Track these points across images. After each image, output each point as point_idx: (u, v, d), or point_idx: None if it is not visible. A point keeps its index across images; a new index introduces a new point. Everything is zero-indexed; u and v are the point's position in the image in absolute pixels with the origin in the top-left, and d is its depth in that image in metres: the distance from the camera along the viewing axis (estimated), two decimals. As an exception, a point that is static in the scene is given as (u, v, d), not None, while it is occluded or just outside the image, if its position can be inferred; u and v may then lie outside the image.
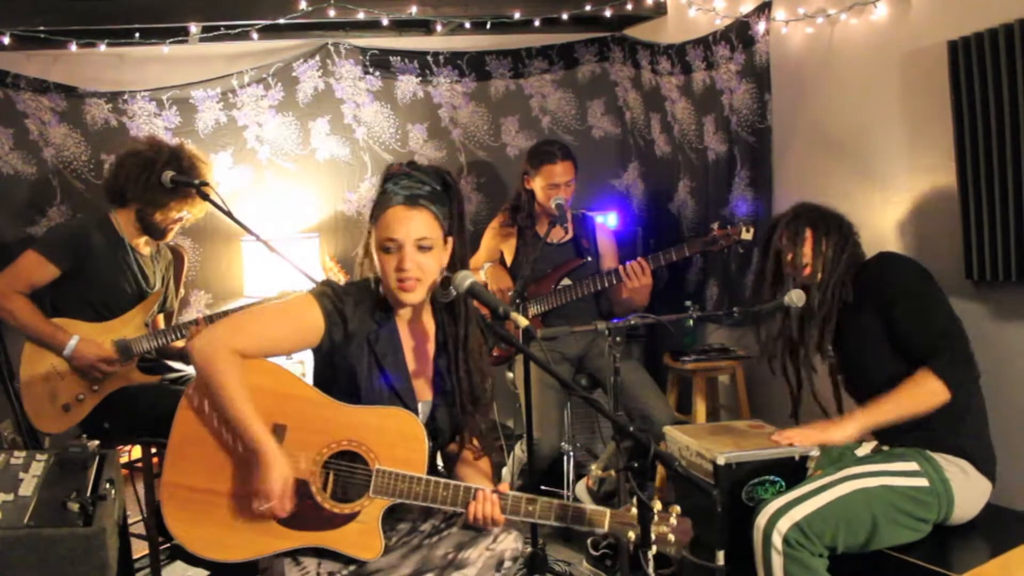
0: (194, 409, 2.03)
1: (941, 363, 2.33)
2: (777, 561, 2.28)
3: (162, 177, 3.09)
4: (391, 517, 2.14)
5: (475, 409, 2.21)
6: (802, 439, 2.53)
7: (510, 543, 2.06)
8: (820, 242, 2.57)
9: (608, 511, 2.01)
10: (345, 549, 2.01)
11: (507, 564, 2.05)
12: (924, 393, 2.33)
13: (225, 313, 2.82)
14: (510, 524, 2.08)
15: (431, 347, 2.21)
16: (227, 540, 1.99)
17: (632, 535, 1.99)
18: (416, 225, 2.06)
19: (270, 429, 2.00)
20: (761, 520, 2.33)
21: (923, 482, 2.33)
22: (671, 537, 1.96)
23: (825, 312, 2.55)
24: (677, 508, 1.98)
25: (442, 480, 2.05)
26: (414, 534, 2.14)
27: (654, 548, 1.90)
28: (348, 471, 2.05)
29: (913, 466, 2.35)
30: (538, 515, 2.03)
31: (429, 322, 2.22)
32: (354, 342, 2.11)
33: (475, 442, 2.26)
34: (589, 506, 2.04)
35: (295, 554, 2.03)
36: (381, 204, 2.09)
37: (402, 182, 2.10)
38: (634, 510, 1.94)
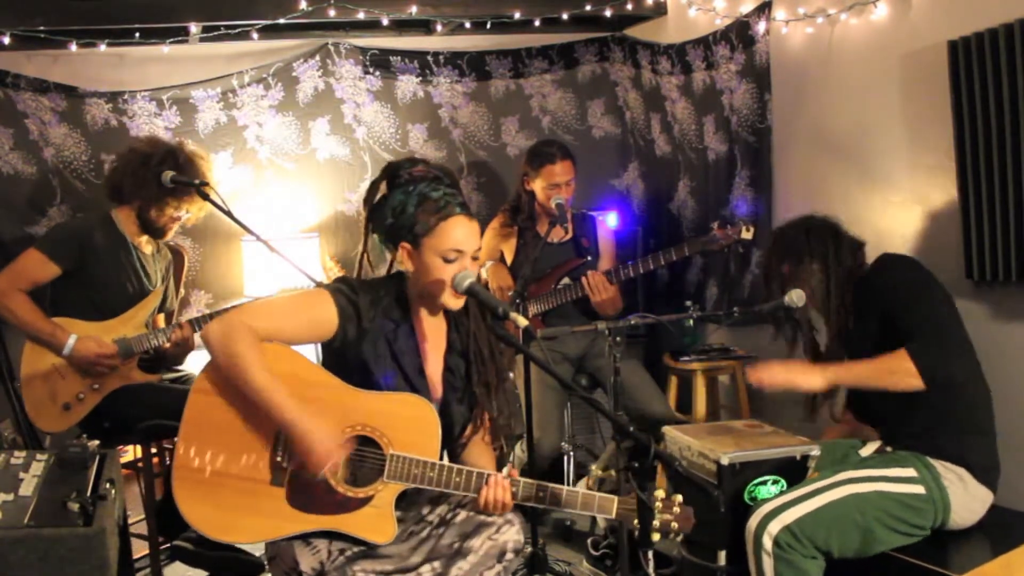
0: (206, 392, 2.04)
1: (917, 346, 2.29)
2: (767, 563, 2.28)
3: (162, 177, 3.08)
4: (399, 506, 2.16)
5: (499, 383, 2.26)
6: (771, 377, 2.47)
7: (512, 535, 2.07)
8: (798, 274, 2.53)
9: (616, 498, 2.05)
10: (358, 532, 2.03)
11: (508, 555, 2.06)
12: (896, 370, 2.30)
13: (224, 311, 2.85)
14: (513, 515, 2.10)
15: (443, 346, 2.26)
16: (239, 523, 2.01)
17: (637, 522, 2.01)
18: (476, 236, 2.13)
19: None
20: (752, 522, 2.33)
21: (919, 489, 2.31)
22: (674, 525, 2.01)
23: (830, 341, 2.53)
24: (679, 497, 2.02)
25: (455, 466, 2.07)
26: (422, 524, 2.15)
27: (657, 531, 1.97)
28: (362, 456, 2.07)
29: (910, 472, 2.34)
30: (548, 501, 2.07)
31: (441, 322, 2.27)
32: (368, 338, 2.12)
33: (487, 424, 2.28)
34: (598, 493, 2.06)
35: (306, 536, 2.04)
36: (432, 210, 2.09)
37: (441, 189, 2.12)
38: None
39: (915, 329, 2.33)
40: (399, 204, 2.12)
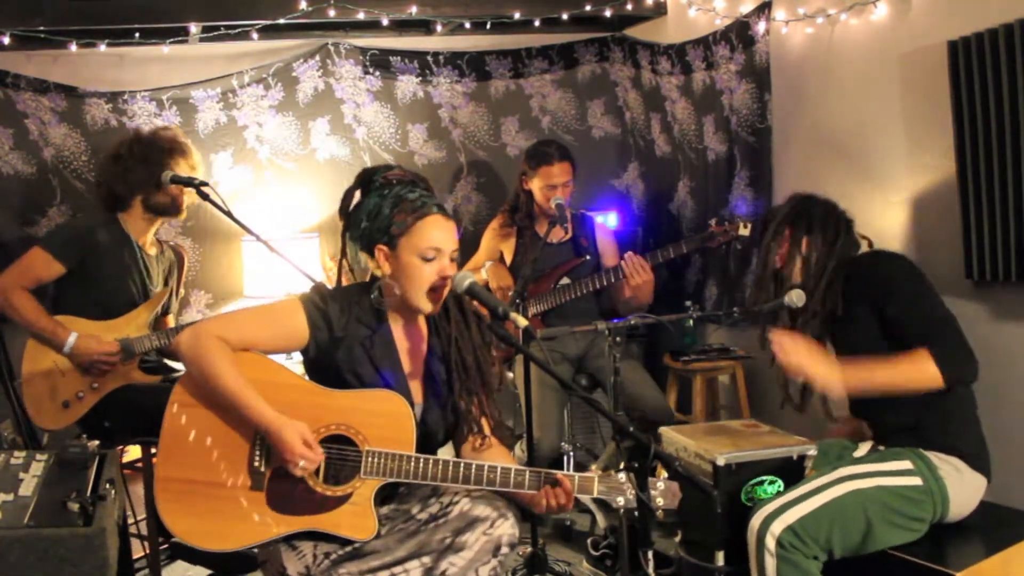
0: (183, 404, 2.07)
1: (939, 348, 2.27)
2: (770, 563, 2.27)
3: (161, 177, 3.10)
4: (388, 506, 2.17)
5: (485, 389, 2.24)
6: (793, 354, 2.37)
7: (507, 529, 2.07)
8: (799, 244, 2.53)
9: (596, 476, 2.06)
10: (339, 531, 2.04)
11: (504, 550, 2.06)
12: (919, 374, 2.27)
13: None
14: (508, 509, 2.10)
15: (423, 349, 2.25)
16: (222, 530, 2.02)
17: (621, 500, 2.04)
18: (453, 237, 2.13)
19: None
20: (755, 523, 2.32)
21: (917, 481, 2.31)
22: (659, 500, 2.01)
23: (810, 319, 2.50)
24: (662, 472, 2.00)
25: (431, 457, 2.08)
26: (411, 522, 2.15)
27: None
28: (339, 454, 2.08)
29: (907, 465, 2.34)
30: (527, 486, 2.06)
31: (421, 326, 2.26)
32: (343, 346, 2.14)
33: (485, 424, 2.26)
34: (578, 474, 2.07)
35: (290, 539, 2.04)
36: (408, 210, 2.10)
37: (417, 191, 2.14)
38: (620, 475, 2.03)
39: (932, 331, 2.32)
40: (374, 207, 2.13)
